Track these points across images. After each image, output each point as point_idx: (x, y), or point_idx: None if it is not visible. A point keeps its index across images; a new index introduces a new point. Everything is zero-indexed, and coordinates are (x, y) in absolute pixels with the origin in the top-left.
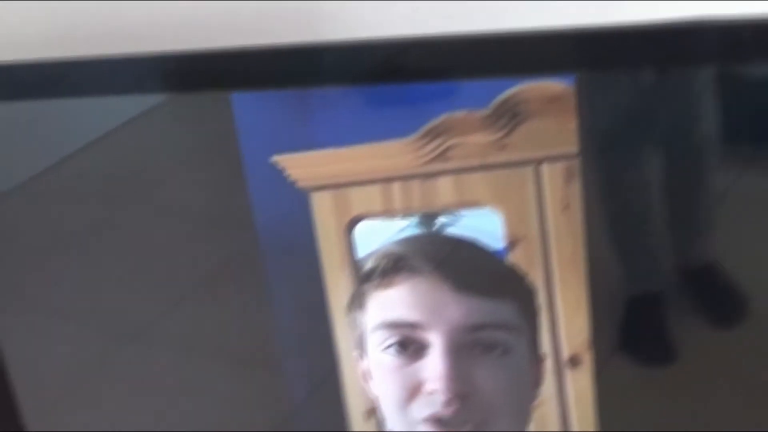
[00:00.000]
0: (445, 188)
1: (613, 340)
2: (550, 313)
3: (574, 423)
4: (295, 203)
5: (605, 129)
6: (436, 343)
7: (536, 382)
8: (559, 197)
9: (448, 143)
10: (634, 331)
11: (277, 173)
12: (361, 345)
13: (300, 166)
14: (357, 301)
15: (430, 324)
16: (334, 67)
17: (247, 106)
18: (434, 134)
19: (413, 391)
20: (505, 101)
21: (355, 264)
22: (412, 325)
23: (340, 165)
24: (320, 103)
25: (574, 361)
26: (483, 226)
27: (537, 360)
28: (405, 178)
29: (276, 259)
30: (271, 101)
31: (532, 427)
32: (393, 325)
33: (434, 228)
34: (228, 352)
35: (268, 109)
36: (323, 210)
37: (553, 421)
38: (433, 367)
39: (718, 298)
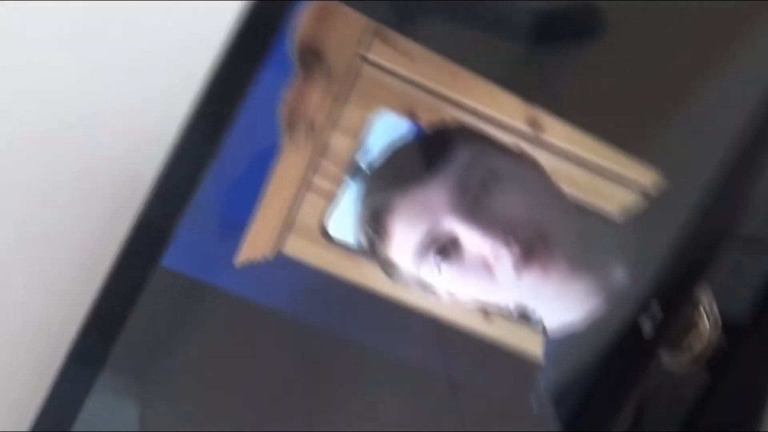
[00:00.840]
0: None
1: None
2: None
3: None
4: None
5: None
6: (459, 229)
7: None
8: None
9: None
10: None
11: None
12: (425, 287)
13: None
14: (389, 267)
15: (441, 221)
16: None
17: None
18: None
19: (488, 270)
20: None
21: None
22: (433, 234)
23: None
24: None
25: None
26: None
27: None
28: None
29: None
30: None
31: None
32: (423, 250)
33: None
34: None
35: None
36: None
37: None
38: (478, 243)
39: None
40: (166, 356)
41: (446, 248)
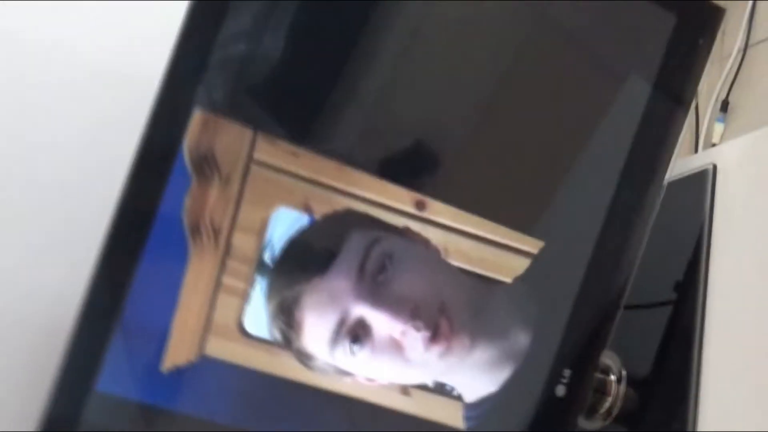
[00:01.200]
0: None
1: None
2: None
3: None
4: None
5: None
6: (366, 313)
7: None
8: None
9: None
10: None
11: None
12: (342, 372)
13: None
14: (304, 357)
15: (348, 308)
16: None
17: None
18: None
19: (398, 349)
20: None
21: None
22: (342, 321)
23: None
24: None
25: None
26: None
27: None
28: None
29: None
30: None
31: None
32: (335, 337)
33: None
34: None
35: None
36: None
37: None
38: (386, 324)
39: None
40: None
41: (356, 332)
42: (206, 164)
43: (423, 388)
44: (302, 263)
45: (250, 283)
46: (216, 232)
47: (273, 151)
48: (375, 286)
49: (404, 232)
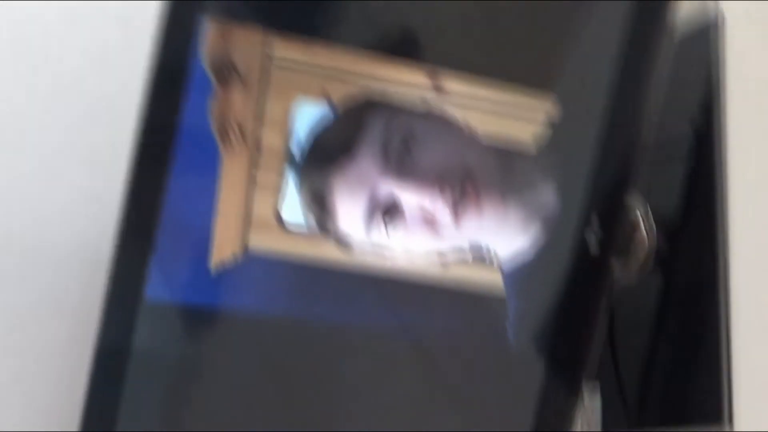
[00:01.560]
0: None
1: None
2: None
3: None
4: None
5: None
6: (395, 190)
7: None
8: None
9: None
10: None
11: None
12: (380, 250)
13: None
14: (342, 240)
15: (377, 187)
16: None
17: None
18: None
19: (430, 221)
20: None
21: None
22: (373, 201)
23: None
24: None
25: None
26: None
27: None
28: None
29: None
30: None
31: None
32: (369, 217)
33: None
34: None
35: None
36: None
37: None
38: (415, 199)
39: None
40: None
41: (389, 209)
42: (225, 68)
43: (462, 259)
44: (328, 149)
45: (283, 175)
46: (243, 132)
47: (286, 46)
48: (400, 163)
49: (421, 107)
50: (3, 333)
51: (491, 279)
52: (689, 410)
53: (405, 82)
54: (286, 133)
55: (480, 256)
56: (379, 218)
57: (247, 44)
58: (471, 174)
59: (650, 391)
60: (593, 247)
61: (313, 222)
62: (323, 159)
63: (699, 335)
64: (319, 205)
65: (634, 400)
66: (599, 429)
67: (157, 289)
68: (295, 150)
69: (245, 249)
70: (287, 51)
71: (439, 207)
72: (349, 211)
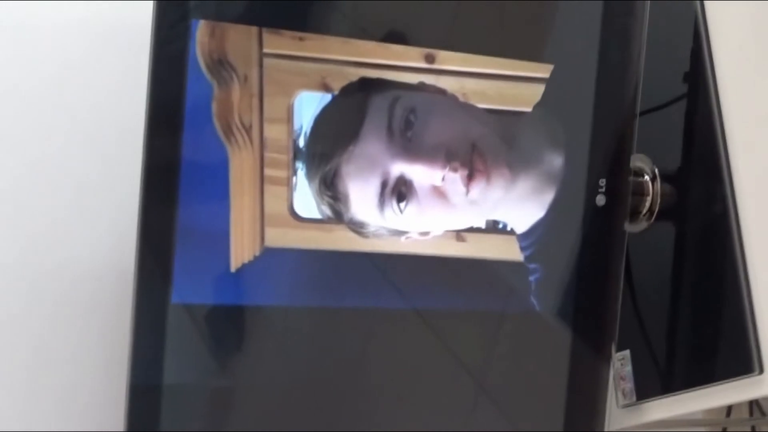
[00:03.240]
0: None
1: None
2: None
3: None
4: None
5: None
6: (404, 168)
7: None
8: None
9: None
10: None
11: None
12: (395, 232)
13: None
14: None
15: (386, 168)
16: None
17: None
18: None
19: (442, 196)
20: None
21: None
22: (384, 181)
23: None
24: None
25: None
26: None
27: None
28: None
29: None
30: None
31: None
32: (381, 198)
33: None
34: None
35: None
36: None
37: None
38: (425, 175)
39: None
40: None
41: (400, 190)
42: (222, 68)
43: (477, 230)
44: (333, 137)
45: (292, 169)
46: (248, 130)
47: (280, 41)
48: (406, 142)
49: (420, 87)
50: (35, 345)
51: (508, 246)
52: (720, 365)
53: (399, 63)
54: (291, 127)
55: (495, 227)
56: (391, 197)
57: (241, 41)
58: (477, 147)
59: (678, 352)
60: (601, 204)
61: (326, 210)
62: (329, 145)
63: (718, 285)
64: (331, 191)
65: (664, 364)
66: (634, 398)
67: (182, 294)
68: (302, 142)
69: (263, 247)
70: (280, 46)
71: (449, 180)
72: (361, 195)
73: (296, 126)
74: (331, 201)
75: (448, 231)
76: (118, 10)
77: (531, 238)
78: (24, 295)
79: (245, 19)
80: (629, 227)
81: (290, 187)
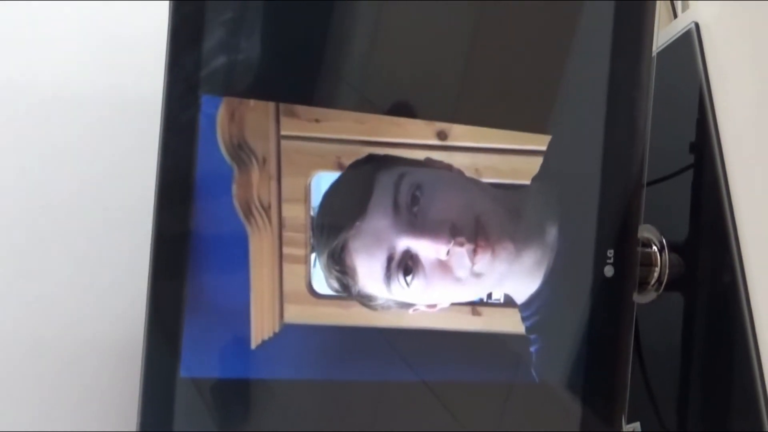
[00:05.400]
0: None
1: None
2: None
3: None
4: None
5: None
6: (410, 243)
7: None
8: None
9: None
10: None
11: None
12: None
13: None
14: (366, 299)
15: (393, 243)
16: None
17: None
18: None
19: (447, 270)
20: None
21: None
22: (390, 256)
23: None
24: None
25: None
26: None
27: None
28: None
29: None
30: None
31: None
32: (388, 273)
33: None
34: None
35: None
36: None
37: None
38: (430, 250)
39: None
40: None
41: (406, 264)
42: (242, 152)
43: (490, 304)
44: (341, 212)
45: (308, 247)
46: (267, 210)
47: (296, 124)
48: (412, 218)
49: (427, 163)
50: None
51: (514, 320)
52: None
53: (409, 140)
54: (308, 206)
55: (498, 300)
56: (398, 271)
57: (259, 124)
58: (481, 221)
59: (689, 422)
60: (612, 279)
61: (335, 284)
62: (337, 221)
63: (728, 355)
64: (339, 266)
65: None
66: None
67: (192, 368)
68: (314, 219)
69: (282, 324)
70: (297, 128)
71: (455, 256)
72: (369, 269)
73: (314, 204)
74: (339, 275)
75: (456, 304)
76: (129, 88)
77: (530, 309)
78: (25, 362)
79: (261, 96)
80: (638, 298)
81: (308, 265)
